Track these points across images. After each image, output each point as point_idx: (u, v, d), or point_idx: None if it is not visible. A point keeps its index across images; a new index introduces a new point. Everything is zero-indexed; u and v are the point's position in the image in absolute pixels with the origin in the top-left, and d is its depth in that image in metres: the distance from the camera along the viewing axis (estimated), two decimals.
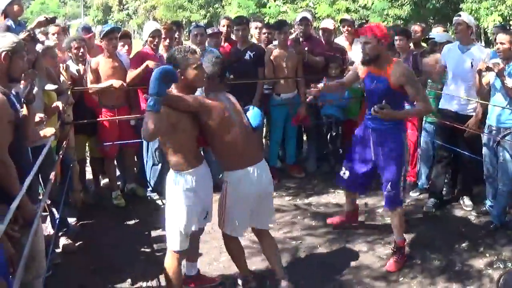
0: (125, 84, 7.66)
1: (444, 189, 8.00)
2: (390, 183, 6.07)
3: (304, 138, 10.05)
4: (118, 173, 8.52)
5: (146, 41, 8.05)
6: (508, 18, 15.20)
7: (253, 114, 5.37)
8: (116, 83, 7.57)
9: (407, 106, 6.74)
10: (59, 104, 6.33)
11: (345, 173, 6.62)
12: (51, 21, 7.23)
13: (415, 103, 6.23)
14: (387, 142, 6.07)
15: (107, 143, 7.83)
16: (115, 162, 8.40)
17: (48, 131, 5.49)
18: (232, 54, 8.61)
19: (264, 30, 9.21)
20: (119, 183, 8.44)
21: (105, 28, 7.86)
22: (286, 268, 5.94)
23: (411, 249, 6.50)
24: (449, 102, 7.42)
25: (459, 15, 7.42)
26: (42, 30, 7.95)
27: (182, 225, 4.99)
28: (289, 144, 9.24)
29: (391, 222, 6.30)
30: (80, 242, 6.78)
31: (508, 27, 8.73)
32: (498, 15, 14.98)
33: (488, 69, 6.63)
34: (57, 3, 66.40)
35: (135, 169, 8.65)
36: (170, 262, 5.13)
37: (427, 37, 8.72)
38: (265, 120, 8.87)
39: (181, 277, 5.28)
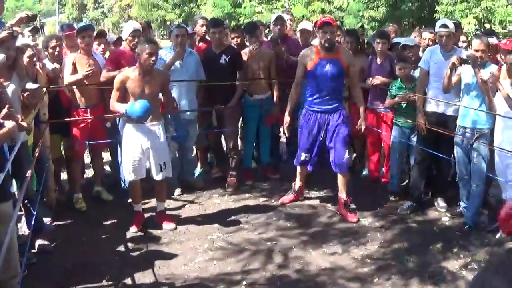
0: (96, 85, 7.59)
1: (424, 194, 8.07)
2: (345, 152, 7.46)
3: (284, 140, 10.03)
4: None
5: (125, 39, 8.00)
6: (482, 20, 15.32)
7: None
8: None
9: None
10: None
11: (306, 156, 7.67)
12: (32, 18, 7.19)
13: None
14: (338, 118, 7.38)
15: (77, 143, 7.78)
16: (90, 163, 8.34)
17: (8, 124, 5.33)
18: (206, 55, 8.54)
19: (233, 35, 9.09)
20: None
21: (79, 25, 7.82)
22: (261, 269, 5.94)
23: (385, 251, 6.52)
24: (436, 104, 7.43)
25: (446, 26, 7.40)
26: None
27: None
28: (263, 145, 9.22)
29: (341, 182, 7.59)
30: (56, 242, 6.72)
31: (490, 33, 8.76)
32: (473, 18, 15.09)
33: (463, 61, 6.67)
34: (32, 0, 65.89)
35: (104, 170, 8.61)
36: None
37: (393, 42, 8.73)
38: (241, 121, 8.90)
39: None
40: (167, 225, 7.14)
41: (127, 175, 7.03)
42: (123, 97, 6.88)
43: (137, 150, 6.90)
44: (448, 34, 7.35)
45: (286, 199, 8.07)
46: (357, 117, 7.61)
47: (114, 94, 6.87)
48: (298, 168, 7.95)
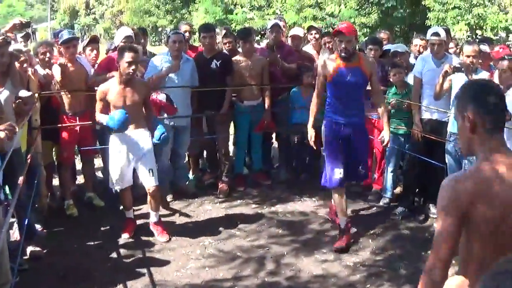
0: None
1: (416, 199, 8.09)
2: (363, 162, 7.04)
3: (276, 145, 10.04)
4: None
5: (117, 46, 7.95)
6: (474, 27, 15.37)
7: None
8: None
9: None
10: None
11: (340, 172, 6.79)
12: (26, 24, 7.19)
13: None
14: (361, 131, 6.91)
15: (66, 149, 7.81)
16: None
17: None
18: (197, 61, 8.53)
19: (225, 40, 9.15)
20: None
21: (64, 36, 7.82)
22: (253, 276, 5.93)
23: (378, 258, 6.51)
24: (430, 111, 7.46)
25: (438, 34, 7.43)
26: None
27: None
28: (255, 151, 9.21)
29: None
30: (47, 249, 6.68)
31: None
32: (465, 24, 15.14)
33: (456, 69, 6.70)
34: (24, 6, 65.79)
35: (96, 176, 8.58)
36: None
37: (384, 50, 8.75)
38: (232, 126, 8.90)
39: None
40: (161, 237, 7.03)
41: (115, 184, 6.99)
42: (107, 108, 6.81)
43: (122, 159, 6.88)
44: (440, 42, 7.40)
45: (341, 243, 6.76)
46: None
47: (98, 105, 6.81)
48: (335, 191, 6.94)
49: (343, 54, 6.60)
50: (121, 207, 7.38)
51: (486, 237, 2.70)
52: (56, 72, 7.47)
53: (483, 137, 2.76)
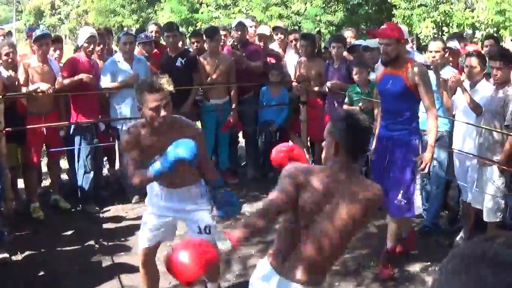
0: (51, 91, 7.49)
1: None
2: (401, 191, 5.83)
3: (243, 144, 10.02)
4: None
5: (80, 46, 7.93)
6: (440, 24, 15.46)
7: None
8: (44, 86, 7.41)
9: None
10: None
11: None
12: None
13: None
14: (401, 148, 5.87)
15: (32, 151, 7.69)
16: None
17: None
18: (163, 61, 8.58)
19: (193, 39, 9.22)
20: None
21: (36, 33, 7.75)
22: (220, 278, 5.90)
23: (347, 257, 6.46)
24: None
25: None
26: None
27: None
28: (221, 150, 9.21)
29: (389, 227, 6.12)
30: (15, 254, 6.59)
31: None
32: (431, 22, 15.21)
33: (426, 67, 6.60)
34: None
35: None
36: None
37: (354, 44, 8.79)
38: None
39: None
40: None
41: (140, 240, 5.19)
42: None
43: (161, 219, 5.05)
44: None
45: (386, 273, 6.08)
46: (318, 123, 7.61)
47: (130, 159, 4.67)
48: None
49: (382, 59, 5.97)
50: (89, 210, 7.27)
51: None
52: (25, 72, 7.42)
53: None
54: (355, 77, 7.80)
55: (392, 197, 5.79)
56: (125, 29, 27.10)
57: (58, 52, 8.31)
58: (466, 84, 6.66)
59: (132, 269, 6.22)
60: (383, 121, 6.03)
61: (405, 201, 5.82)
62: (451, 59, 7.50)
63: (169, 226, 5.15)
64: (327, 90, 8.34)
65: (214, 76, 8.63)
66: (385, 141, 5.95)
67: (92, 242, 6.96)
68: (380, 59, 6.07)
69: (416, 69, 5.70)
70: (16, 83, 7.49)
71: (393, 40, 5.71)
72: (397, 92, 5.78)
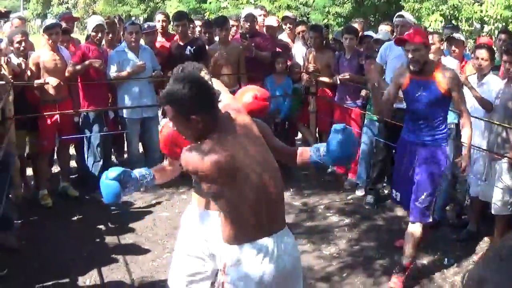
0: (62, 83, 7.54)
1: (385, 184, 8.17)
2: (424, 193, 5.63)
3: None
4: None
5: (89, 35, 7.96)
6: (449, 17, 15.43)
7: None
8: (53, 81, 7.44)
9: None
10: None
11: (396, 195, 6.01)
12: (4, 15, 7.14)
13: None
14: (431, 153, 5.62)
15: (46, 138, 7.68)
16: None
17: None
18: (173, 49, 8.61)
19: (204, 30, 9.27)
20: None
21: (47, 23, 7.76)
22: None
23: (354, 249, 6.53)
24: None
25: (402, 16, 7.39)
26: None
27: None
28: None
29: (408, 235, 5.75)
30: (22, 240, 6.61)
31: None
32: (440, 15, 15.20)
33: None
34: None
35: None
36: None
37: (365, 35, 8.78)
38: None
39: None
40: None
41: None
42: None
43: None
44: (403, 23, 7.31)
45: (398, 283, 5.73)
46: (327, 114, 7.58)
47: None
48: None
49: (411, 67, 5.52)
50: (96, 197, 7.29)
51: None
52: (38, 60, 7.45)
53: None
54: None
55: (416, 200, 5.64)
56: (133, 18, 27.09)
57: (65, 45, 8.26)
58: (473, 77, 6.63)
59: (139, 255, 6.29)
60: (410, 126, 5.75)
61: (426, 205, 5.62)
62: (456, 50, 7.47)
63: None
64: (338, 82, 8.31)
65: (223, 66, 8.64)
66: (413, 146, 5.70)
67: (100, 229, 6.98)
68: (407, 66, 5.63)
69: (448, 74, 5.46)
70: (25, 75, 7.50)
71: (421, 46, 5.43)
72: (433, 99, 5.50)
